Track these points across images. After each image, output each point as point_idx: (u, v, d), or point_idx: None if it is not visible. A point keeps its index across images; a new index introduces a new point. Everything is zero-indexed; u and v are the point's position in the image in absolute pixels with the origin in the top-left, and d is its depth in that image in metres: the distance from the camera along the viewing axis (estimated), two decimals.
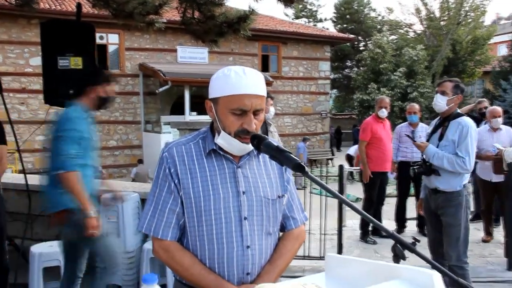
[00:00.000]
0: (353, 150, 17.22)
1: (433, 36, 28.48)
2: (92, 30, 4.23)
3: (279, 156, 1.43)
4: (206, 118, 8.60)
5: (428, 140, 3.86)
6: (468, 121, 3.65)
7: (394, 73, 23.96)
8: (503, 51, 32.28)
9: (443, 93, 3.72)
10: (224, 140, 1.60)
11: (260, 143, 1.49)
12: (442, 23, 28.12)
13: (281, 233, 1.79)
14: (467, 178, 3.77)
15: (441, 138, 3.73)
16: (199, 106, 15.28)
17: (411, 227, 6.64)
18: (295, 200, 1.82)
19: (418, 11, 29.10)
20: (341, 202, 1.49)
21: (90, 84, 3.26)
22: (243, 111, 1.54)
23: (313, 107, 20.99)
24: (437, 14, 28.52)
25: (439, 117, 3.88)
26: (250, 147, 1.59)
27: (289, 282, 1.45)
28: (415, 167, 3.92)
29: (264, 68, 19.38)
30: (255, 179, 1.66)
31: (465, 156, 3.55)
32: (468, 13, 27.64)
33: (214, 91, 1.59)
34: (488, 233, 6.17)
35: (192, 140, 1.67)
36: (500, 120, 5.85)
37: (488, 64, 29.51)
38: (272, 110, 5.10)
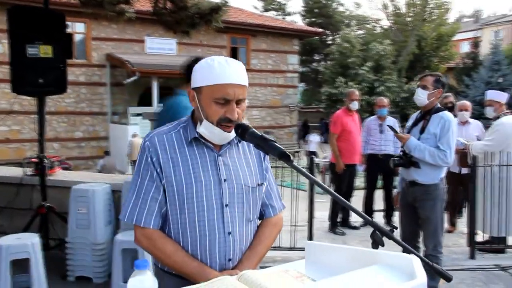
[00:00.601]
0: (314, 146, 17.39)
1: (399, 32, 28.99)
2: (62, 19, 4.15)
3: (264, 144, 1.46)
4: None
5: (409, 133, 3.92)
6: (449, 115, 3.73)
7: (362, 68, 24.29)
8: (465, 48, 33.19)
9: (424, 87, 3.76)
10: (206, 129, 1.61)
11: (244, 132, 1.52)
12: (408, 19, 28.69)
13: (259, 221, 1.83)
14: (445, 171, 3.86)
15: (422, 131, 3.78)
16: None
17: (378, 218, 6.77)
18: (274, 189, 1.86)
19: (385, 6, 29.61)
20: (324, 190, 1.53)
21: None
22: (226, 100, 1.56)
23: (281, 100, 21.10)
24: (404, 10, 29.08)
25: (419, 110, 3.94)
26: (231, 136, 1.61)
27: (271, 269, 1.47)
28: (395, 159, 3.93)
29: None
30: (235, 167, 1.68)
31: (446, 150, 3.62)
32: (433, 10, 28.29)
33: (197, 80, 1.60)
34: (452, 224, 6.36)
35: (173, 129, 1.68)
36: (467, 113, 6.05)
37: (452, 61, 30.29)
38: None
